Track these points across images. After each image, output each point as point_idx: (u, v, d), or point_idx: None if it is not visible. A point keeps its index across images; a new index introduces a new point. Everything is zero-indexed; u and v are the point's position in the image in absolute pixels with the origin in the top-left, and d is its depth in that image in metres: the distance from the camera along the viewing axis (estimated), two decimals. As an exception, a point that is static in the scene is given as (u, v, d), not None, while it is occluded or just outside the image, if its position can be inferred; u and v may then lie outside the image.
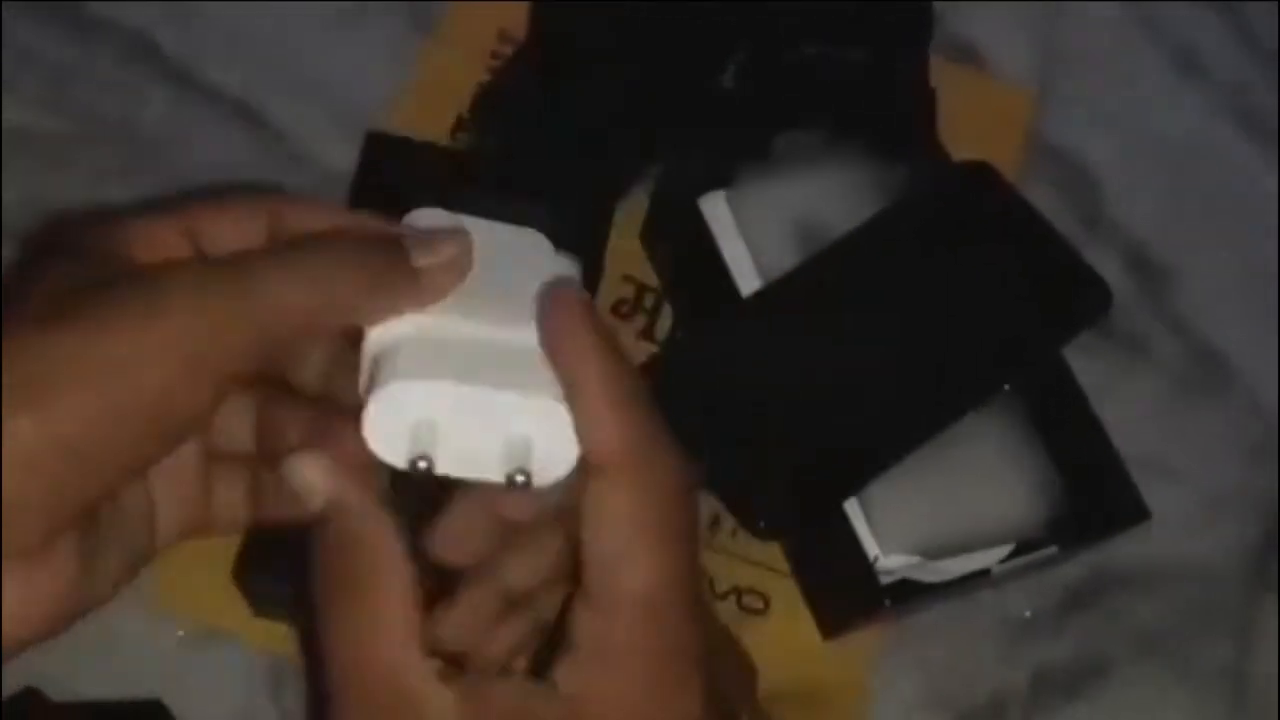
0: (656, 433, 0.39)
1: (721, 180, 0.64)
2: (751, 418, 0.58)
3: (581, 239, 0.63)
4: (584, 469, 0.39)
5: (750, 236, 0.63)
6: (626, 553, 0.38)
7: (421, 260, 0.42)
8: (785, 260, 0.62)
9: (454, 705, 0.37)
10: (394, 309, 0.41)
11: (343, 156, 0.66)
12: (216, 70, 0.69)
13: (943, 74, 0.71)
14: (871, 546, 0.58)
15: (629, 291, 0.68)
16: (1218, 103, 0.76)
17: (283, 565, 0.57)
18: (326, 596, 0.40)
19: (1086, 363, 0.64)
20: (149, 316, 0.36)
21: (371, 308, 0.40)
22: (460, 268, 0.44)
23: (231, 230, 0.40)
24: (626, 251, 0.68)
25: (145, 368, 0.36)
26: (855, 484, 0.57)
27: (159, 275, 0.37)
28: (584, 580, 0.38)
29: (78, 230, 0.39)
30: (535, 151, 0.67)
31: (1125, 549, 0.64)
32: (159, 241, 0.39)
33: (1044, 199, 0.70)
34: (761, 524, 0.57)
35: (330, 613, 0.40)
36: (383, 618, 0.38)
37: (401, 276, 0.41)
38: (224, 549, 0.58)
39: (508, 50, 0.70)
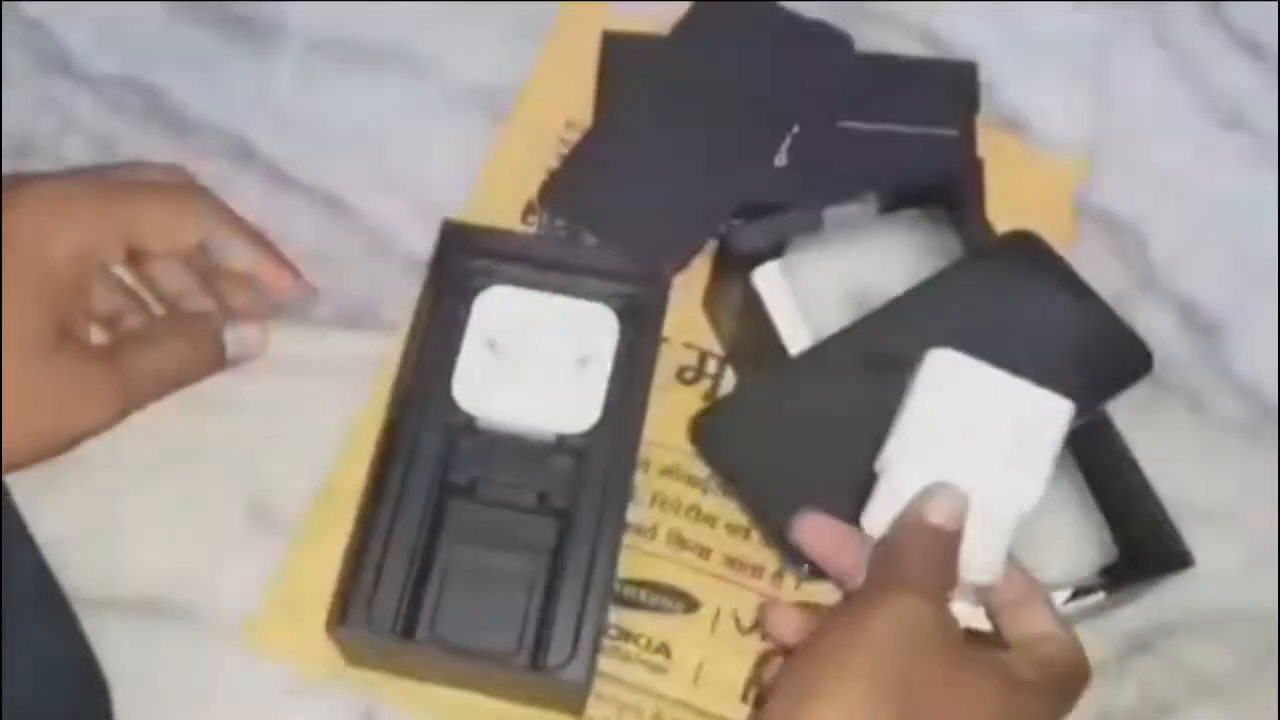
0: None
1: (776, 252, 0.65)
2: (796, 464, 0.59)
3: (646, 312, 0.65)
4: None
5: (803, 305, 0.64)
6: None
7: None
8: (837, 326, 0.63)
9: None
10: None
11: (422, 242, 0.68)
12: (303, 168, 0.72)
13: (990, 144, 0.72)
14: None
15: (693, 358, 0.69)
16: (1263, 156, 0.76)
17: (375, 618, 0.60)
18: None
19: (1145, 418, 0.64)
20: None
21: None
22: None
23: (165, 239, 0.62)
24: (689, 320, 0.69)
25: None
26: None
27: None
28: None
29: None
30: (601, 232, 0.69)
31: (1184, 596, 0.63)
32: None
33: (1096, 261, 0.71)
34: (805, 567, 0.58)
35: None
36: None
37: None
38: (320, 600, 0.59)
39: (575, 137, 0.72)
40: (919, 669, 0.50)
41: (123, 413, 0.60)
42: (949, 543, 0.54)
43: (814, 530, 0.57)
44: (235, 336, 0.64)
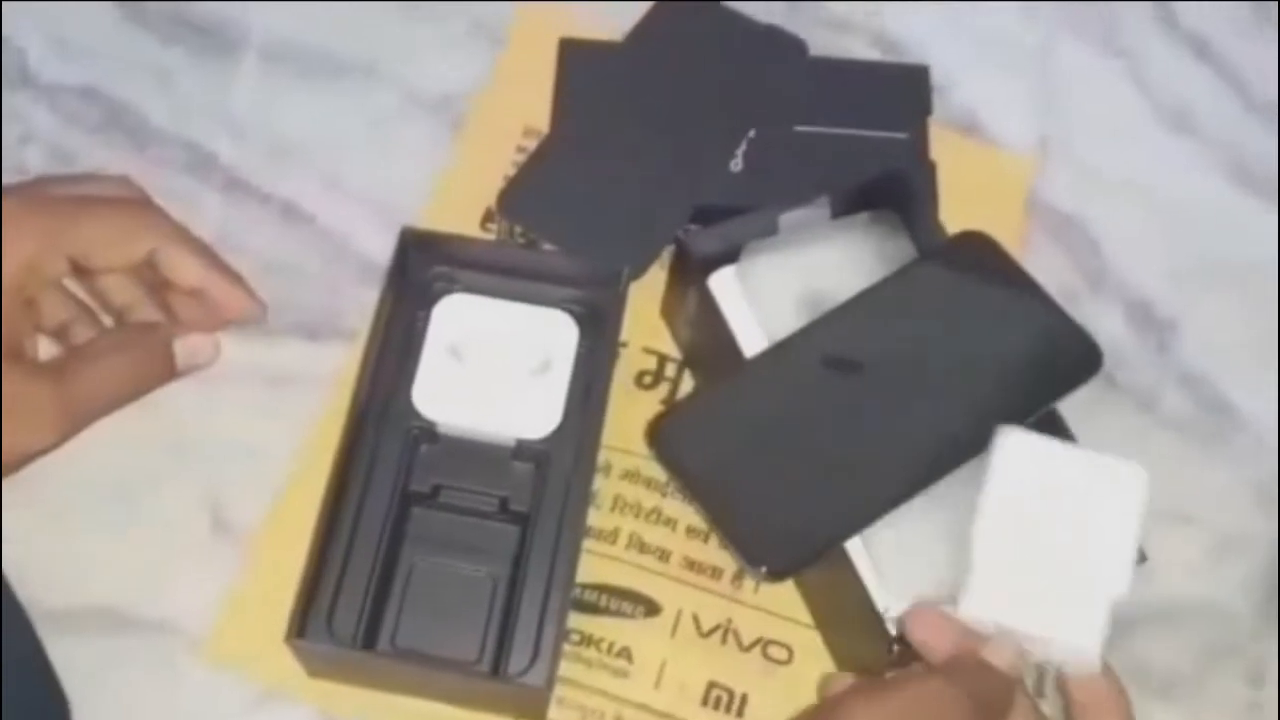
0: None
1: (731, 256, 0.65)
2: (753, 467, 0.59)
3: (604, 317, 0.65)
4: None
5: (759, 308, 0.64)
6: None
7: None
8: (792, 329, 0.63)
9: None
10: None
11: (381, 250, 0.68)
12: (263, 178, 0.71)
13: (943, 145, 0.72)
14: (882, 598, 0.59)
15: (651, 363, 0.69)
16: (1212, 157, 0.76)
17: (336, 630, 0.60)
18: None
19: (1095, 416, 0.63)
20: None
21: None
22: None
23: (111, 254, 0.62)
24: (648, 325, 0.69)
25: None
26: (849, 529, 0.58)
27: None
28: None
29: None
30: (559, 239, 0.68)
31: (1141, 592, 0.62)
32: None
33: (1047, 259, 0.71)
34: (763, 569, 0.57)
35: None
36: None
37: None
38: (280, 610, 0.58)
39: (532, 144, 0.72)
40: None
41: (71, 431, 0.59)
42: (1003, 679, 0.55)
43: (923, 623, 0.56)
44: (185, 347, 0.63)
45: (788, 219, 0.65)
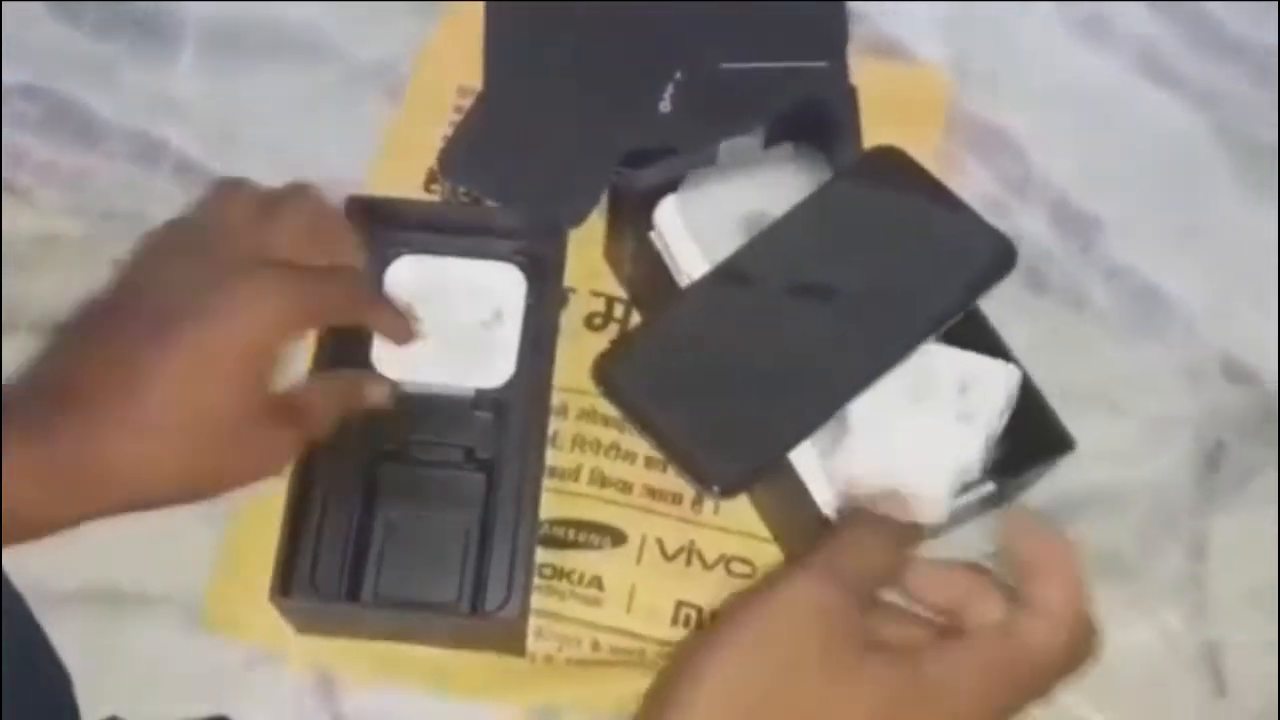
0: None
1: (670, 188, 0.66)
2: (696, 393, 0.60)
3: (546, 265, 0.67)
4: None
5: (700, 235, 0.65)
6: None
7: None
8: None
9: None
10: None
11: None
12: (214, 159, 0.72)
13: (863, 70, 0.74)
14: (826, 503, 0.61)
15: (600, 305, 0.70)
16: (1126, 57, 0.77)
17: (320, 586, 0.62)
18: None
19: (1025, 316, 0.66)
20: None
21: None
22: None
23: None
24: (593, 268, 0.71)
25: None
26: (792, 440, 0.60)
27: None
28: None
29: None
30: (498, 195, 0.70)
31: (1079, 478, 0.65)
32: None
33: (972, 170, 0.73)
34: (716, 488, 0.59)
35: None
36: None
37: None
38: (266, 574, 0.60)
39: (468, 103, 0.73)
40: (785, 685, 0.47)
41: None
42: (886, 536, 0.52)
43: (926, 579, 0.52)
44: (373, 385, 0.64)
45: (726, 148, 0.67)
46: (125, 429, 0.52)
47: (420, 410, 0.65)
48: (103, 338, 0.55)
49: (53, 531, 0.53)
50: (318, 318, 0.61)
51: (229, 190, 0.62)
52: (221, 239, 0.58)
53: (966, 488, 0.61)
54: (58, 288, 0.65)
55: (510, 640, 0.63)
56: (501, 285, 0.66)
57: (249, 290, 0.55)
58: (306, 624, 0.63)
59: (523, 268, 0.67)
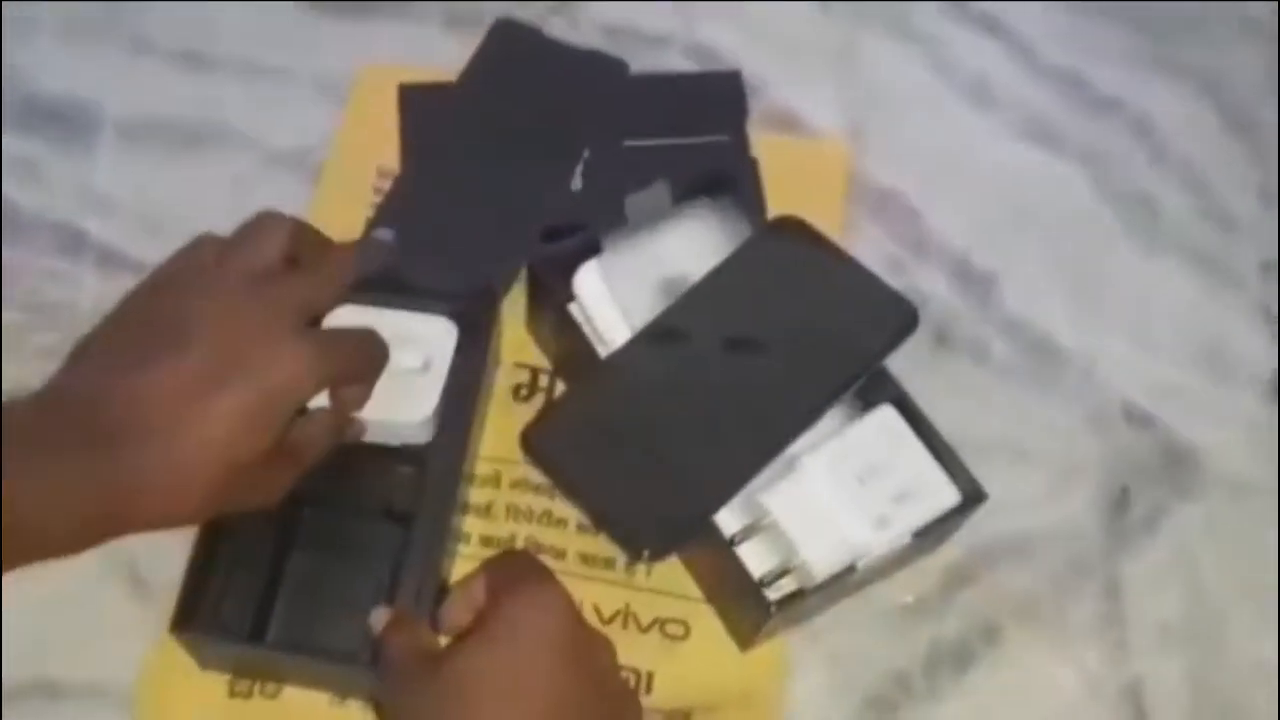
0: None
1: (585, 260, 0.68)
2: (621, 458, 0.62)
3: (478, 325, 0.66)
4: None
5: (621, 297, 0.67)
6: None
7: None
8: (653, 314, 0.66)
9: None
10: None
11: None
12: (138, 249, 0.72)
13: (763, 143, 0.76)
14: (756, 568, 0.62)
15: (524, 376, 0.71)
16: (1010, 122, 0.80)
17: (225, 622, 0.61)
18: None
19: (931, 372, 0.67)
20: None
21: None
22: None
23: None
24: (518, 341, 0.71)
25: None
26: (716, 500, 0.61)
27: None
28: None
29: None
30: (422, 273, 0.70)
31: (991, 527, 0.67)
32: None
33: (872, 234, 0.75)
34: (645, 551, 0.60)
35: None
36: None
37: None
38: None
39: (386, 184, 0.74)
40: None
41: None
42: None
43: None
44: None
45: (632, 203, 0.69)
46: (161, 466, 0.54)
47: (343, 460, 0.64)
48: (145, 373, 0.55)
49: (66, 554, 0.54)
50: (346, 379, 0.62)
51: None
52: (241, 272, 0.59)
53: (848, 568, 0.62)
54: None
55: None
56: (432, 335, 0.66)
57: (295, 352, 0.57)
58: (206, 659, 0.63)
59: (456, 320, 0.67)
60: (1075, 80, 0.82)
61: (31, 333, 0.69)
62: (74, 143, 0.75)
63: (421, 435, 0.64)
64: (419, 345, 0.66)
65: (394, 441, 0.65)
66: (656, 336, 0.65)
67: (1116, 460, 0.71)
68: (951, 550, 0.68)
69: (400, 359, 0.64)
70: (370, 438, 0.64)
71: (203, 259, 0.59)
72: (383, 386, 0.64)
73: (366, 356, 0.62)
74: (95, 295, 0.69)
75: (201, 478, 0.54)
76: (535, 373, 0.71)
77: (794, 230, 0.67)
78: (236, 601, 0.62)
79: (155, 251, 0.70)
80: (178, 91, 0.77)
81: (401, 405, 0.64)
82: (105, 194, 0.74)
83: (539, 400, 0.71)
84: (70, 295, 0.70)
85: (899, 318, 0.65)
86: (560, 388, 0.71)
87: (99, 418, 0.53)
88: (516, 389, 0.71)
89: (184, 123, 0.76)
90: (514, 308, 0.71)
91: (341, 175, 0.75)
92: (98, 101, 0.76)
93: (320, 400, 0.60)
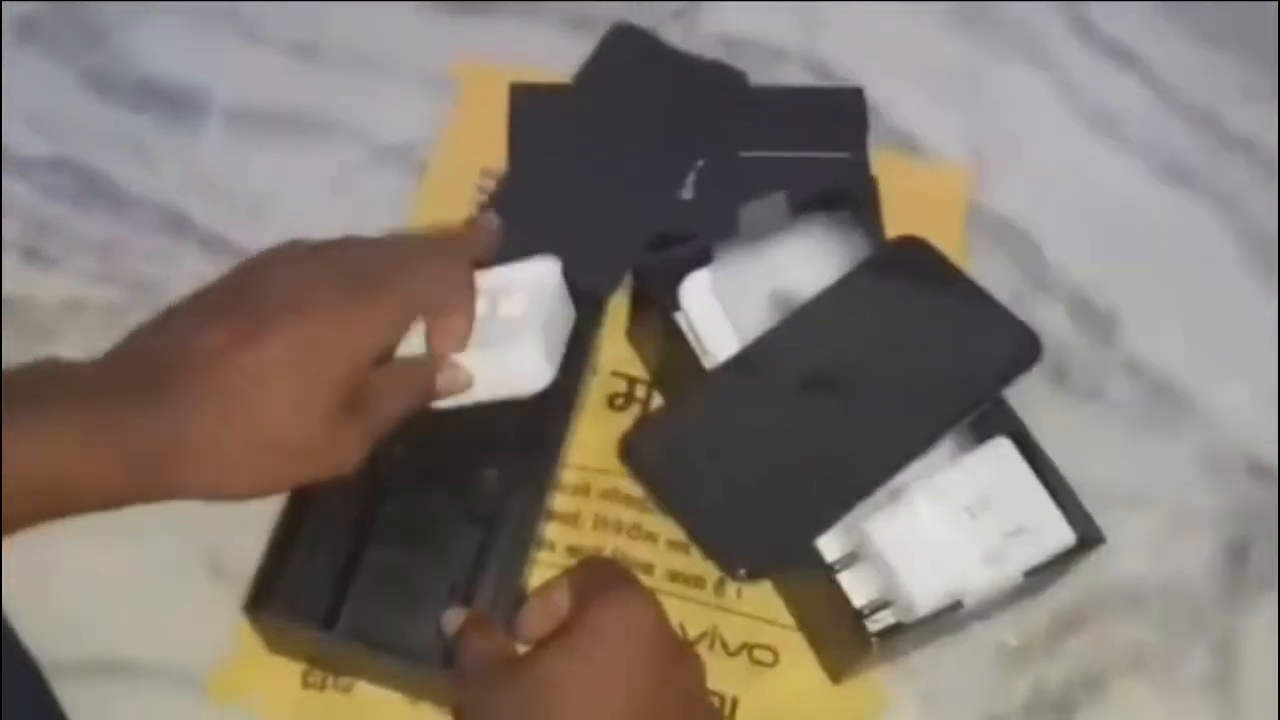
0: None
1: (693, 270, 0.66)
2: (722, 474, 0.60)
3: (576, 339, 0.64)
4: None
5: (731, 308, 0.65)
6: None
7: None
8: (764, 326, 0.64)
9: None
10: None
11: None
12: (239, 233, 0.71)
13: (883, 163, 0.74)
14: (856, 598, 0.59)
15: (621, 385, 0.69)
16: (1139, 157, 0.78)
17: (298, 606, 0.60)
18: None
19: (1047, 410, 0.65)
20: None
21: None
22: None
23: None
24: (615, 351, 0.70)
25: None
26: (819, 527, 0.59)
27: None
28: None
29: None
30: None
31: (1103, 573, 0.64)
32: None
33: (992, 264, 0.73)
34: (741, 571, 0.57)
35: None
36: None
37: None
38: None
39: (490, 184, 0.73)
40: None
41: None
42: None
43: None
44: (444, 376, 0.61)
45: (746, 213, 0.66)
46: (202, 426, 0.53)
47: (427, 458, 0.63)
48: (202, 336, 0.54)
49: (118, 503, 0.53)
50: (430, 309, 0.59)
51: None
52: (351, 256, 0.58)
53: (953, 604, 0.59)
54: (78, 355, 0.63)
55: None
56: (533, 280, 0.62)
57: (363, 318, 0.55)
58: (277, 644, 0.62)
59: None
60: (1208, 118, 0.79)
61: (129, 312, 0.68)
62: (181, 124, 0.75)
63: (534, 382, 0.60)
64: (521, 292, 0.61)
65: (504, 393, 0.60)
66: (763, 357, 0.63)
67: (1235, 511, 0.68)
68: (1060, 594, 0.65)
69: (502, 307, 0.61)
70: (478, 394, 0.60)
71: (297, 249, 0.58)
72: (484, 336, 0.60)
73: (445, 287, 0.59)
74: (194, 277, 0.68)
75: (262, 439, 0.53)
76: (632, 382, 0.69)
77: (918, 251, 0.65)
78: (311, 587, 0.61)
79: (256, 237, 0.70)
80: (287, 80, 0.77)
81: (507, 348, 0.59)
82: (210, 178, 0.73)
83: (635, 411, 0.69)
84: (171, 275, 0.69)
85: (1023, 348, 0.63)
86: (658, 399, 0.69)
87: (151, 371, 0.53)
88: (612, 398, 0.69)
89: (291, 112, 0.76)
90: (615, 316, 0.69)
91: (445, 173, 0.74)
92: (208, 86, 0.76)
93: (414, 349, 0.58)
